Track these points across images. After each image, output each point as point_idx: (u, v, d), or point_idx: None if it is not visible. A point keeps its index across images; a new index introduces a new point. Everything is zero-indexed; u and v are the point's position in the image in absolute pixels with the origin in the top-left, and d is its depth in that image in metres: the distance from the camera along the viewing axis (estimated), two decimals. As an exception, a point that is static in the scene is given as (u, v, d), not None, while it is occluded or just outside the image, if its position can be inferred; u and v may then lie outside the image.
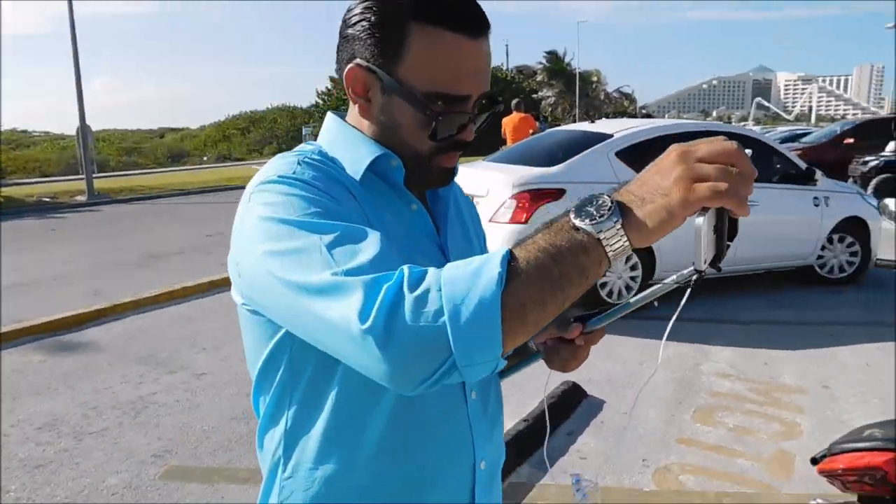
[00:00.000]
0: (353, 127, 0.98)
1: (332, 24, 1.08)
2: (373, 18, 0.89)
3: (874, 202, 6.81)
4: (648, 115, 72.04)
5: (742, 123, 51.44)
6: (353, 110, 0.98)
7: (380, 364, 0.72)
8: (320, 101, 41.29)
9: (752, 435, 3.57)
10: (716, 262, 0.78)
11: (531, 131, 10.57)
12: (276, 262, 0.80)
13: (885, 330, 5.19)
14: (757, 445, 3.46)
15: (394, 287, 0.72)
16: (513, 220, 5.23)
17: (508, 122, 11.39)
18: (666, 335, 0.89)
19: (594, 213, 0.75)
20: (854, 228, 6.39)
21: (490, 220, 5.25)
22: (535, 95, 44.72)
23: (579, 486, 1.11)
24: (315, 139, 1.04)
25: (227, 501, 2.96)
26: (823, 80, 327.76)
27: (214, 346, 4.98)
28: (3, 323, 5.43)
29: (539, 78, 53.20)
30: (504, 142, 10.95)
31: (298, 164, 0.90)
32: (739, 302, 5.95)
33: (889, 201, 2.06)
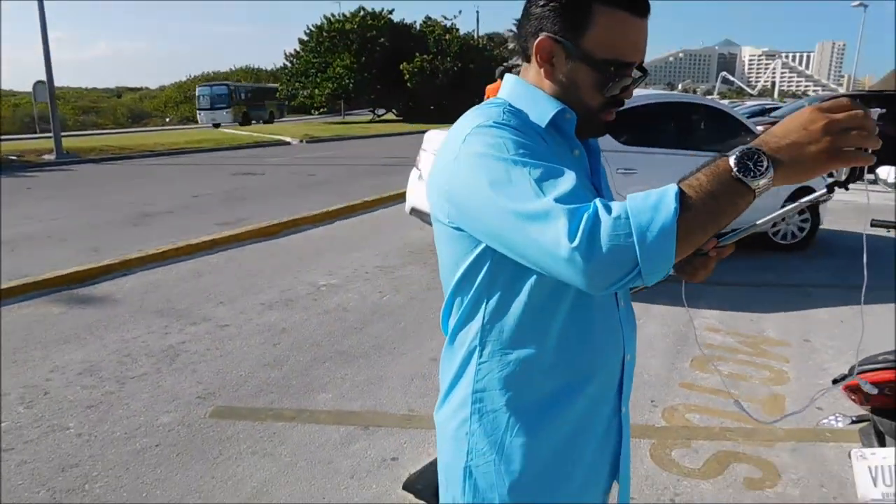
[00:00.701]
0: (535, 86, 1.22)
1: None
2: (563, 1, 1.13)
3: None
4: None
5: (708, 96, 52.37)
6: (532, 72, 1.22)
7: (582, 274, 0.96)
8: (288, 64, 40.70)
9: (745, 380, 3.93)
10: (848, 182, 1.06)
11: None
12: (495, 191, 1.04)
13: (855, 292, 5.59)
14: (751, 389, 3.82)
15: (592, 215, 0.95)
16: None
17: (492, 90, 11.52)
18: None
19: (752, 168, 0.95)
20: (805, 196, 6.84)
21: None
22: (506, 63, 44.58)
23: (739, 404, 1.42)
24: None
25: (278, 436, 3.20)
26: (786, 56, 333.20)
27: (230, 300, 5.16)
28: (7, 278, 5.50)
29: (510, 46, 53.16)
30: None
31: (503, 112, 1.15)
32: (723, 266, 6.27)
33: (883, 170, 2.32)
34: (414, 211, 6.43)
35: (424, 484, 2.68)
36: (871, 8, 33.38)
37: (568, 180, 1.02)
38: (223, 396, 3.58)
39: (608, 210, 0.96)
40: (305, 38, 38.87)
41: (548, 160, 1.06)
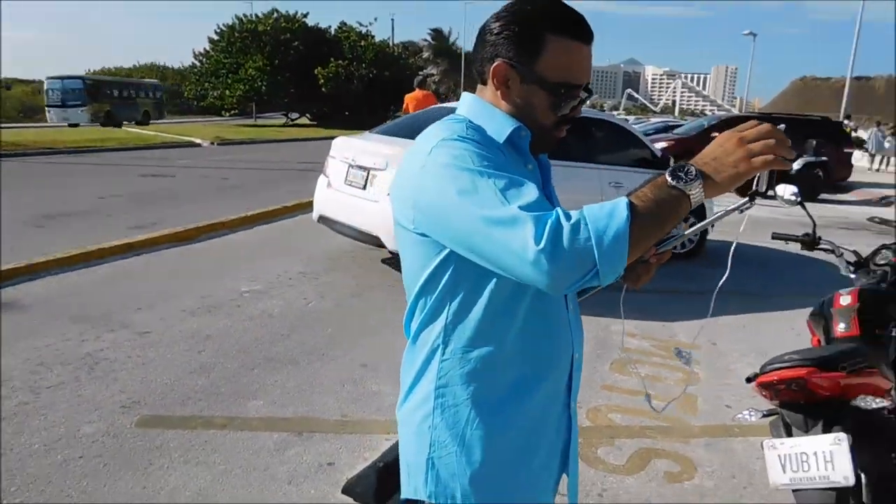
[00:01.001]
0: (492, 105, 1.32)
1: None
2: (516, 29, 1.26)
3: None
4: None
5: (614, 112, 54.73)
6: (488, 93, 1.33)
7: (546, 275, 1.07)
8: (197, 63, 39.37)
9: (661, 381, 4.17)
10: (767, 192, 1.23)
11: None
12: (463, 199, 1.13)
13: (753, 298, 6.06)
14: (666, 390, 4.06)
15: (555, 221, 1.07)
16: None
17: (411, 99, 11.59)
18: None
19: (684, 177, 1.13)
20: (696, 208, 7.32)
21: (389, 195, 5.39)
22: (422, 73, 44.91)
23: (682, 354, 1.55)
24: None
25: (210, 444, 3.14)
26: (685, 77, 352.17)
27: (149, 306, 4.98)
28: None
29: (425, 55, 53.63)
30: (391, 116, 11.22)
31: (466, 128, 1.26)
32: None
33: (780, 188, 2.57)
34: (322, 219, 6.35)
35: (364, 487, 2.70)
36: (760, 36, 35.90)
37: (530, 190, 1.13)
38: (149, 405, 3.48)
39: (568, 217, 1.08)
40: (216, 37, 37.73)
41: (508, 171, 1.16)
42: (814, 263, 6.99)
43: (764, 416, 2.44)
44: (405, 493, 1.41)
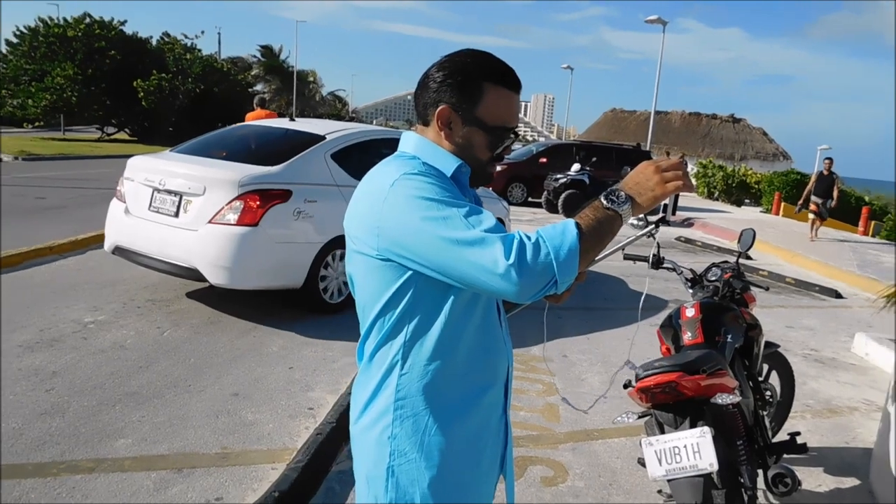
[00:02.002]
0: (436, 144, 1.49)
1: None
2: (458, 79, 1.45)
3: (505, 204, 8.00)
4: (359, 120, 74.63)
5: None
6: (431, 133, 1.50)
7: (516, 285, 1.25)
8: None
9: (524, 394, 4.47)
10: (668, 216, 1.53)
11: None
12: (432, 225, 1.29)
13: (594, 313, 6.64)
14: (529, 401, 4.36)
15: (518, 240, 1.27)
16: (241, 223, 4.98)
17: (253, 118, 11.32)
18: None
19: (616, 200, 1.38)
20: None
21: (210, 222, 5.02)
22: (251, 90, 43.65)
23: (631, 363, 1.76)
24: None
25: (79, 490, 2.90)
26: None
27: (-25, 344, 4.45)
28: None
29: (255, 72, 52.12)
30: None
31: (421, 164, 1.43)
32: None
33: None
34: (119, 251, 5.65)
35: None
36: (577, 70, 39.12)
37: (489, 216, 1.32)
38: (-4, 453, 3.13)
39: (528, 237, 1.28)
40: (15, 40, 34.01)
41: (463, 201, 1.34)
42: (636, 280, 7.79)
43: (639, 417, 2.75)
44: (364, 501, 1.48)
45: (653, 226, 1.56)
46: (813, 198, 13.89)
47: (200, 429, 3.55)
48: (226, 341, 4.91)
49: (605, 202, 1.36)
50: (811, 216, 14.06)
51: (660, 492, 2.98)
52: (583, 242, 1.29)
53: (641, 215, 2.15)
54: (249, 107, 12.45)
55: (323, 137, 5.83)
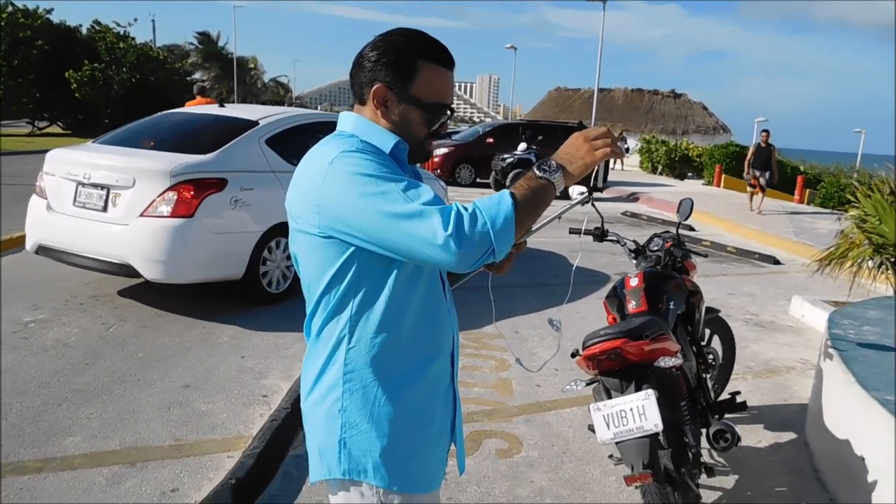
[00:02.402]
0: (373, 122, 1.51)
1: None
2: (392, 57, 1.47)
3: None
4: (303, 105, 73.46)
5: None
6: (368, 112, 1.52)
7: (455, 255, 1.29)
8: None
9: (477, 370, 4.54)
10: (601, 185, 1.61)
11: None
12: (372, 200, 1.32)
13: (543, 289, 6.76)
14: (483, 377, 4.43)
15: (456, 211, 1.31)
16: (175, 214, 4.81)
17: (193, 106, 11.08)
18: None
19: (548, 169, 1.43)
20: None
21: (142, 215, 4.83)
22: (189, 78, 42.50)
23: (552, 321, 1.81)
24: None
25: (28, 491, 2.84)
26: (455, 85, 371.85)
27: None
28: None
29: (192, 59, 50.70)
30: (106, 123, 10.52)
31: (359, 142, 1.45)
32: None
33: (572, 189, 2.98)
34: (43, 250, 5.34)
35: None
36: (520, 50, 39.30)
37: (427, 190, 1.35)
38: (-64, 459, 3.03)
39: (465, 208, 1.32)
40: None
41: (401, 177, 1.36)
42: (584, 256, 7.95)
43: (588, 384, 2.84)
44: (317, 475, 1.53)
45: (585, 194, 1.63)
46: (752, 170, 13.94)
47: (152, 422, 3.50)
48: (174, 334, 4.83)
49: (537, 172, 1.42)
50: (750, 189, 14.16)
51: (611, 456, 3.09)
52: (518, 211, 1.34)
53: (584, 189, 2.23)
54: (189, 95, 12.13)
55: (256, 123, 5.67)
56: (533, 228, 1.69)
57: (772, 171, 13.87)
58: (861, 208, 6.14)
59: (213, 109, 6.39)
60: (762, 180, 13.84)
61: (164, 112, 6.73)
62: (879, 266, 5.91)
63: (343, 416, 1.46)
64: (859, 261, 5.94)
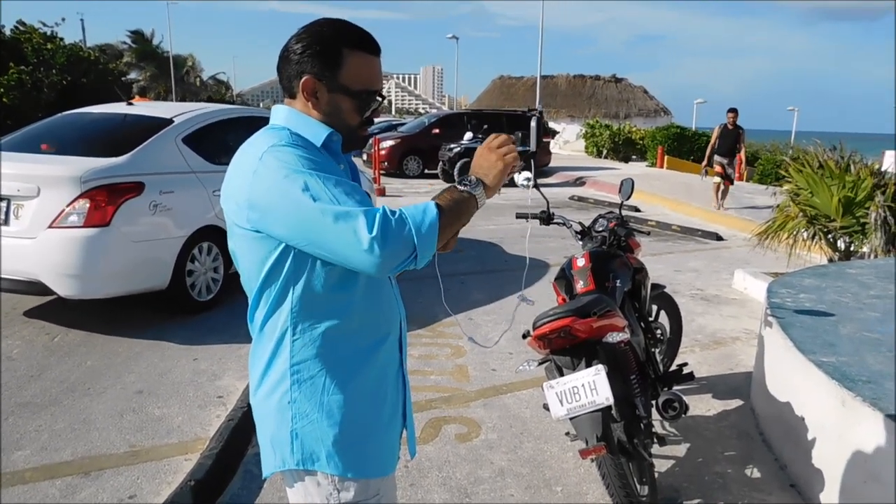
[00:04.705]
0: (305, 114, 1.52)
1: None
2: (318, 48, 1.48)
3: None
4: (244, 103, 72.00)
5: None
6: (299, 104, 1.52)
7: (377, 257, 1.31)
8: None
9: (434, 358, 4.58)
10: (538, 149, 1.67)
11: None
12: (299, 197, 1.33)
13: (495, 275, 6.84)
14: (440, 364, 4.48)
15: (381, 215, 1.33)
16: (89, 223, 4.47)
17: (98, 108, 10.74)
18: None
19: (469, 184, 1.49)
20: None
21: (51, 227, 4.45)
22: (124, 78, 41.17)
23: (524, 298, 1.87)
24: None
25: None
26: (398, 77, 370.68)
27: None
28: None
29: (126, 59, 49.13)
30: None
31: (290, 135, 1.46)
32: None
33: (517, 176, 3.05)
34: None
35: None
36: (462, 40, 39.34)
37: (355, 189, 1.38)
38: None
39: (392, 212, 1.35)
40: None
41: (332, 173, 1.39)
42: (533, 241, 8.08)
43: (540, 363, 2.90)
44: (271, 467, 1.55)
45: (531, 180, 1.70)
46: (717, 157, 11.61)
47: (105, 430, 3.44)
48: (123, 340, 4.73)
49: (460, 186, 1.48)
50: (717, 179, 11.60)
51: (567, 433, 3.17)
52: (442, 219, 1.38)
53: (529, 175, 2.29)
54: (125, 96, 11.80)
55: (171, 121, 5.34)
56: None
57: (738, 159, 11.91)
58: (794, 182, 6.41)
59: (120, 108, 5.96)
60: (729, 169, 11.62)
61: (64, 112, 6.23)
62: (813, 237, 6.19)
63: (293, 407, 1.47)
64: (795, 233, 6.21)
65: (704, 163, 12.04)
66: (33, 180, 4.58)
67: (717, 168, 11.57)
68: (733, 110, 11.53)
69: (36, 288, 4.62)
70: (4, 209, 4.60)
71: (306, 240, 1.34)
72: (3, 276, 4.60)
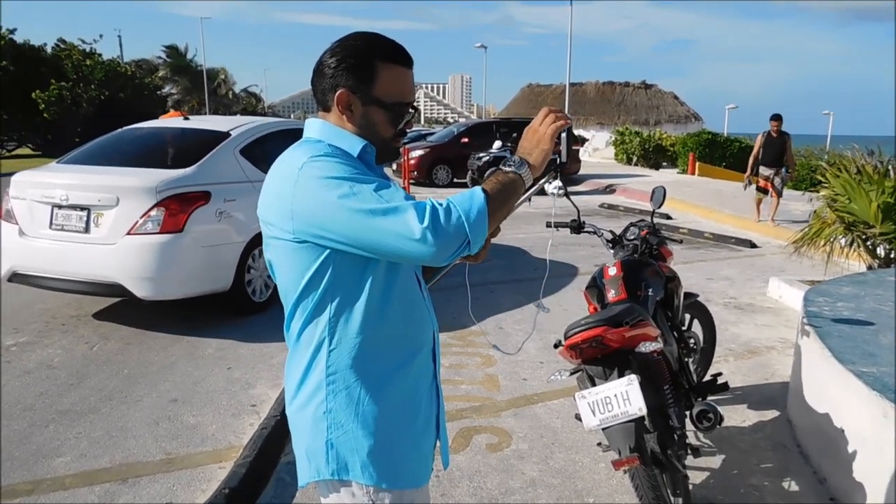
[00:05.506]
0: (339, 127, 1.54)
1: None
2: (351, 62, 1.50)
3: None
4: (275, 115, 73.02)
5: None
6: (333, 117, 1.55)
7: (432, 247, 1.33)
8: None
9: (464, 368, 4.57)
10: (565, 160, 1.68)
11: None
12: (346, 201, 1.35)
13: (524, 284, 6.82)
14: (470, 374, 4.47)
15: (431, 206, 1.36)
16: (165, 230, 4.82)
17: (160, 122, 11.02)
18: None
19: (514, 164, 1.52)
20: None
21: (129, 233, 4.80)
22: (159, 92, 42.04)
23: (540, 305, 1.86)
24: None
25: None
26: (427, 87, 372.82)
27: None
28: None
29: (161, 73, 50.23)
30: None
31: (328, 146, 1.48)
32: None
33: (548, 186, 3.06)
34: (18, 277, 5.17)
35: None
36: (490, 48, 39.43)
37: (398, 189, 1.40)
38: (-76, 487, 3.01)
39: (440, 204, 1.38)
40: None
41: (372, 179, 1.41)
42: (563, 250, 8.03)
43: (571, 373, 2.89)
44: (306, 478, 1.56)
45: (551, 171, 1.72)
46: (762, 169, 10.67)
47: (141, 438, 3.50)
48: (159, 349, 4.81)
49: (504, 168, 1.51)
50: (759, 195, 10.77)
51: (599, 444, 3.13)
52: (490, 203, 1.40)
53: (559, 184, 2.28)
54: (161, 110, 12.08)
55: (228, 134, 5.69)
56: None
57: (787, 168, 10.68)
58: (831, 188, 6.27)
59: (178, 123, 6.33)
60: (777, 180, 10.57)
61: (125, 127, 6.55)
62: (851, 243, 6.04)
63: (328, 417, 1.49)
64: (832, 239, 6.07)
65: (748, 172, 11.08)
66: (113, 191, 4.90)
67: (762, 182, 10.69)
68: (777, 117, 10.60)
69: (114, 291, 4.97)
70: (85, 218, 4.94)
71: (357, 241, 1.36)
72: (82, 279, 4.94)
